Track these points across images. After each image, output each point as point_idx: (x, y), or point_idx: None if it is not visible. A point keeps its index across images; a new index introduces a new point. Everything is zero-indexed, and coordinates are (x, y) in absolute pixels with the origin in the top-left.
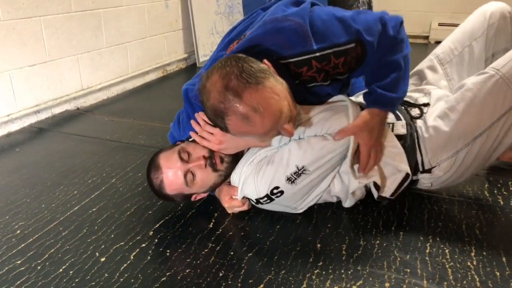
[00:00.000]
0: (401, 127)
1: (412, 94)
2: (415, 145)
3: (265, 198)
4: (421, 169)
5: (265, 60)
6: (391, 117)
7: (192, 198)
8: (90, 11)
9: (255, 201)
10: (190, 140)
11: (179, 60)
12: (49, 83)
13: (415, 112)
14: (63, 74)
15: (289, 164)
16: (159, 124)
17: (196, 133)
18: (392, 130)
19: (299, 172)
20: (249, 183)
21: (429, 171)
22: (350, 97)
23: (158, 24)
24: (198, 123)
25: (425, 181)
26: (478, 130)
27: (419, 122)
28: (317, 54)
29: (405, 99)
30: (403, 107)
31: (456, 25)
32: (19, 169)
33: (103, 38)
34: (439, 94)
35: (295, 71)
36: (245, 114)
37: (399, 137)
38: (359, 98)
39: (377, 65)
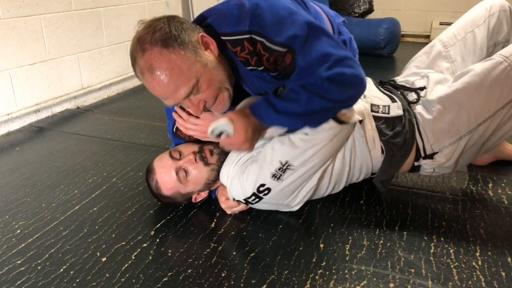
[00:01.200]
0: (397, 108)
1: (409, 78)
2: (415, 130)
3: (253, 197)
4: (423, 154)
5: (203, 34)
6: (386, 100)
7: (193, 200)
8: (90, 9)
9: (244, 201)
10: (174, 126)
11: None
12: (49, 82)
13: (412, 97)
14: (63, 73)
15: (273, 160)
16: (160, 123)
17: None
18: (388, 113)
19: (284, 168)
20: (234, 185)
21: (431, 157)
22: None
23: None
24: (181, 118)
25: (427, 167)
26: (482, 117)
27: (418, 108)
28: (247, 36)
29: (401, 83)
30: (399, 92)
31: None
32: (19, 168)
33: (103, 36)
34: (437, 78)
35: (232, 51)
36: (142, 69)
37: (397, 120)
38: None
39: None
